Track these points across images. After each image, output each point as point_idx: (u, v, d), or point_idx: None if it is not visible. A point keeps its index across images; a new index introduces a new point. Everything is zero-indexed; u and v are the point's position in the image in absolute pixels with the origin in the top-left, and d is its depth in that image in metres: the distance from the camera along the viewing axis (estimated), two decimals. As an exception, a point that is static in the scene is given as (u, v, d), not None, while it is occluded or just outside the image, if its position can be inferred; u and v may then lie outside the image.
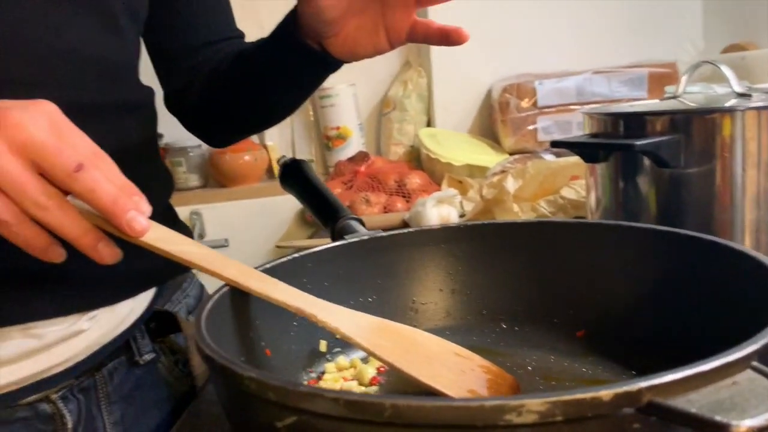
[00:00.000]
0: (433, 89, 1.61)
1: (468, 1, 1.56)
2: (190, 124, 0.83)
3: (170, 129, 0.95)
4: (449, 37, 0.60)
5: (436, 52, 1.59)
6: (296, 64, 0.68)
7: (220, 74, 0.76)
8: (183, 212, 1.42)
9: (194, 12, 0.78)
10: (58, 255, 0.43)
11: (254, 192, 1.61)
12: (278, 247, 1.27)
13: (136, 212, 0.41)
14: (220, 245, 1.44)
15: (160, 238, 0.44)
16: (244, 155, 1.59)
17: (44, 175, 0.40)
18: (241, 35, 0.84)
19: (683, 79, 0.77)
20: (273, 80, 0.72)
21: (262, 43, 0.71)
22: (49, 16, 0.57)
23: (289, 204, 1.57)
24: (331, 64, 0.66)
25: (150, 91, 0.72)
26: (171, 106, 0.81)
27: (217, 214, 1.55)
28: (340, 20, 0.59)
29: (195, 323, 0.41)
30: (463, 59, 1.59)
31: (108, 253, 0.43)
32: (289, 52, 0.66)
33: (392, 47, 0.62)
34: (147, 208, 0.43)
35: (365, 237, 0.60)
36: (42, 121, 0.41)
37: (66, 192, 0.41)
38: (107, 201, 0.41)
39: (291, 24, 0.64)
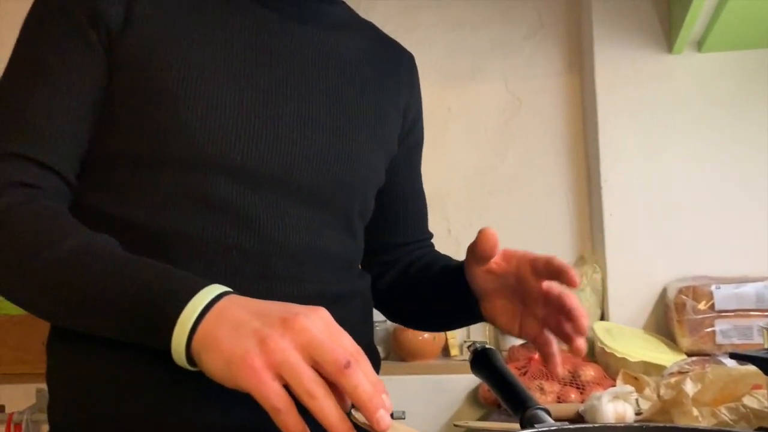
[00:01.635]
0: (608, 285, 1.68)
1: (644, 200, 1.67)
2: (377, 305, 0.98)
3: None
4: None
5: (611, 249, 1.68)
6: (459, 305, 0.81)
7: (407, 278, 0.92)
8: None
9: (400, 217, 0.95)
10: None
11: (430, 368, 1.72)
12: (455, 425, 1.35)
13: (384, 410, 0.50)
14: (398, 417, 1.55)
15: None
16: (423, 333, 1.73)
17: (316, 368, 0.51)
18: (430, 236, 1.00)
19: None
20: (443, 308, 0.87)
21: (439, 273, 0.87)
22: (310, 223, 0.74)
23: (462, 383, 1.66)
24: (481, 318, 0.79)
25: (369, 278, 0.89)
26: None
27: (396, 386, 1.66)
28: (491, 295, 0.74)
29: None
30: (637, 257, 1.67)
31: None
32: (455, 295, 0.80)
33: (520, 336, 0.74)
34: (390, 406, 0.52)
35: (554, 428, 0.67)
36: (320, 325, 0.53)
37: (330, 384, 0.51)
38: (365, 397, 0.49)
39: (461, 277, 0.78)
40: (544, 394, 1.37)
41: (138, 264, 0.60)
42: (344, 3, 0.87)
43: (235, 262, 0.68)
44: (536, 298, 0.69)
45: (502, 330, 0.76)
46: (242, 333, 0.52)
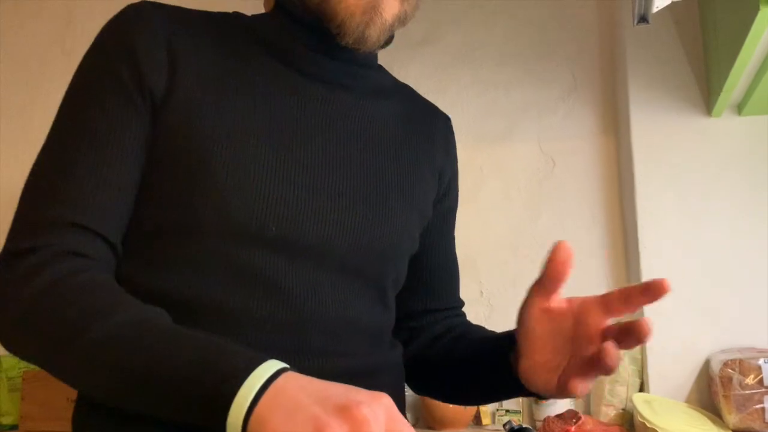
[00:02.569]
0: (647, 354, 1.61)
1: (685, 267, 1.61)
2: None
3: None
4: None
5: (650, 316, 1.62)
6: (497, 374, 0.78)
7: (437, 348, 0.88)
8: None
9: (431, 283, 0.92)
10: None
11: (461, 438, 1.65)
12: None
13: None
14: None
15: None
16: (454, 400, 1.67)
17: None
18: (462, 304, 0.96)
19: None
20: (479, 379, 0.83)
21: (477, 342, 0.83)
22: (344, 294, 0.72)
23: (494, 455, 1.59)
24: (526, 391, 0.74)
25: (400, 348, 0.85)
26: None
27: (425, 456, 1.61)
28: (535, 347, 0.68)
29: None
30: (679, 326, 1.60)
31: None
32: (496, 370, 0.77)
33: (558, 394, 0.68)
34: None
35: None
36: (381, 417, 0.49)
37: None
38: None
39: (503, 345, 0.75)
40: (581, 472, 1.30)
41: (191, 339, 0.57)
42: (381, 66, 0.87)
43: (269, 335, 0.66)
44: (592, 335, 0.64)
45: (538, 389, 0.70)
46: (299, 420, 0.49)
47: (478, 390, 0.86)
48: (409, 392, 1.77)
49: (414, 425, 1.78)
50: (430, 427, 1.72)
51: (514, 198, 1.91)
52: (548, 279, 0.66)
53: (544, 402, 1.68)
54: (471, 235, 1.91)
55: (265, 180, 0.67)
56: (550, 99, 1.92)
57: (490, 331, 0.88)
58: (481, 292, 1.88)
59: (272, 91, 0.72)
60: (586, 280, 1.81)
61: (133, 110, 0.66)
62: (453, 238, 0.97)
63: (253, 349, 0.62)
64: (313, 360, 0.68)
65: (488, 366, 0.79)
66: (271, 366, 0.53)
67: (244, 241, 0.66)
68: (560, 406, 1.65)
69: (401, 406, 0.83)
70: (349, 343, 0.72)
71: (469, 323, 0.95)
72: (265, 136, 0.69)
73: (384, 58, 0.87)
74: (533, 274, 2.09)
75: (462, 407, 1.68)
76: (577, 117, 1.90)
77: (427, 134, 0.87)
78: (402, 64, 1.95)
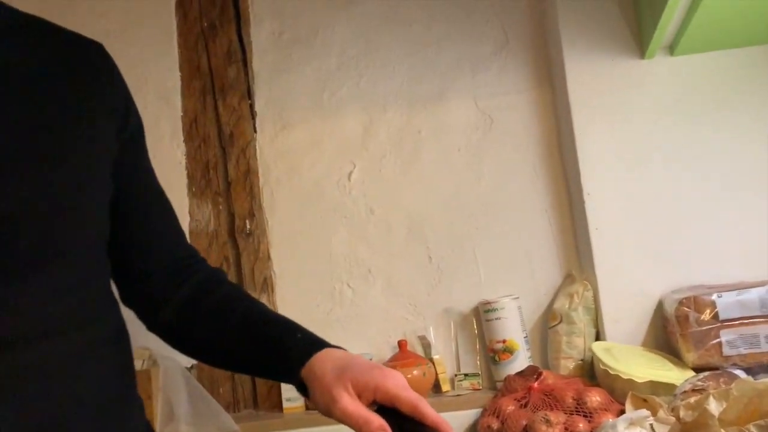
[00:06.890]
0: (600, 301, 1.61)
1: (630, 211, 1.60)
2: (163, 333, 0.86)
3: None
4: None
5: (600, 264, 1.61)
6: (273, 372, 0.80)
7: (201, 322, 0.83)
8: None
9: (147, 233, 0.85)
10: None
11: (423, 407, 1.60)
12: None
13: None
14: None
15: None
16: (412, 370, 1.62)
17: None
18: (195, 254, 0.89)
19: None
20: (255, 361, 0.82)
21: (257, 328, 0.81)
22: (39, 285, 0.65)
23: (458, 420, 1.56)
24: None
25: (118, 306, 0.80)
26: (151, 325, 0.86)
27: (388, 430, 1.55)
28: None
29: None
30: (628, 271, 1.60)
31: None
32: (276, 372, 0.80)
33: None
34: None
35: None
36: None
37: None
38: None
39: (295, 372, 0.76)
40: (551, 426, 1.27)
41: None
42: (4, 3, 0.75)
43: None
44: None
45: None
46: None
47: (251, 369, 0.86)
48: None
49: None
50: (390, 400, 1.67)
51: (455, 159, 1.86)
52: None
53: (503, 360, 1.65)
54: (415, 200, 1.85)
55: None
56: (482, 55, 1.88)
57: (268, 313, 0.85)
58: (430, 258, 1.83)
59: None
60: (533, 235, 1.79)
61: None
62: (152, 172, 0.88)
63: None
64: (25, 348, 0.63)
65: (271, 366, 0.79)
66: None
67: None
68: (520, 363, 1.63)
69: (131, 376, 0.77)
70: (62, 323, 0.66)
71: (218, 277, 0.87)
72: None
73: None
74: (480, 234, 2.05)
75: (420, 377, 1.63)
76: (512, 71, 1.87)
77: (81, 67, 0.78)
78: (327, 27, 1.86)
